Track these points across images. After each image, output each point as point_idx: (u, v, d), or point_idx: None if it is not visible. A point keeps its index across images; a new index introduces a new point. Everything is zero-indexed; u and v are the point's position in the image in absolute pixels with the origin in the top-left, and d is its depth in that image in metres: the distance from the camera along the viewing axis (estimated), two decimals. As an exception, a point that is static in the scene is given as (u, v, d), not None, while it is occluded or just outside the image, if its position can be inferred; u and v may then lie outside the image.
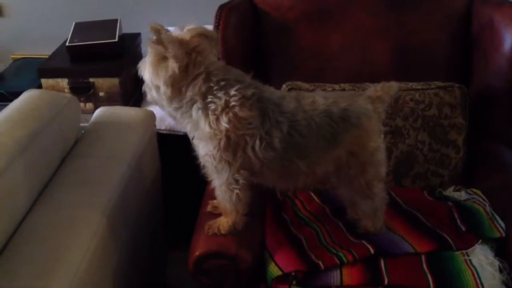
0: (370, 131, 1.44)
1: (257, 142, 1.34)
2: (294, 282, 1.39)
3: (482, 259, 1.44)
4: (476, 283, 1.36)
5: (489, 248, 1.49)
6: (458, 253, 1.45)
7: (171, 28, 1.38)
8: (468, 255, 1.45)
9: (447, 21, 1.94)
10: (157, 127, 2.09)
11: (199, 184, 1.70)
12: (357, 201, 1.53)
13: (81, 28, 2.40)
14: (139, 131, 1.77)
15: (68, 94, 1.78)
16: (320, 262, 1.42)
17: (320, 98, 1.40)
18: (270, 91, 1.39)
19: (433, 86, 1.75)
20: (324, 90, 1.76)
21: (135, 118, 1.81)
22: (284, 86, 1.79)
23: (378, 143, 1.46)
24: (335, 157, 1.42)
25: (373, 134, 1.44)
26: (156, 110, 2.12)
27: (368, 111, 1.43)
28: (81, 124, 1.74)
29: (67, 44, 2.29)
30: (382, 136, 1.49)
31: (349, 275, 1.40)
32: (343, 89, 1.76)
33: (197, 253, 1.39)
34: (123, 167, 1.59)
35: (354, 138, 1.41)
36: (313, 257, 1.44)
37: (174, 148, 2.17)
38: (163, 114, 2.16)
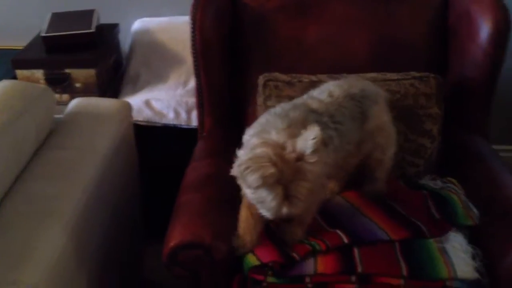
0: (384, 106, 1.62)
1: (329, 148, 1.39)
2: (270, 273, 1.40)
3: (455, 246, 1.45)
4: (449, 270, 1.38)
5: (463, 236, 1.50)
6: (431, 240, 1.47)
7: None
8: (441, 243, 1.46)
9: (425, 11, 1.94)
10: (135, 118, 2.07)
11: (177, 175, 1.70)
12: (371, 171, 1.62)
13: (57, 19, 2.38)
14: (115, 122, 1.75)
15: (42, 85, 1.76)
16: (294, 254, 1.42)
17: (335, 88, 1.52)
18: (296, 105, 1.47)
19: (409, 77, 1.75)
20: (301, 81, 1.77)
21: (110, 109, 1.79)
22: (261, 77, 1.79)
23: (389, 116, 1.63)
24: (368, 131, 1.55)
25: (386, 109, 1.62)
26: (133, 101, 2.13)
27: (379, 90, 1.63)
28: (56, 116, 1.72)
29: (42, 34, 2.26)
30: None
31: (323, 263, 1.40)
32: (320, 80, 1.76)
33: (172, 244, 1.38)
34: (98, 158, 1.57)
35: (377, 112, 1.57)
36: (287, 249, 1.44)
37: (152, 139, 2.17)
38: (140, 105, 2.18)
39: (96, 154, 1.60)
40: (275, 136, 1.30)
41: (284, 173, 1.24)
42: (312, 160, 1.24)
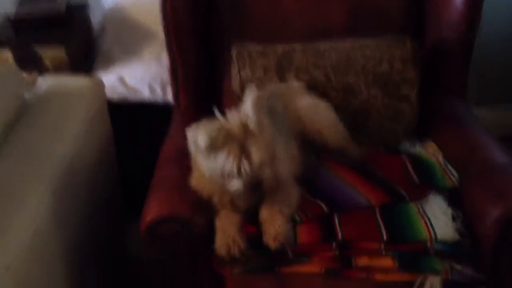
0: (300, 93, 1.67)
1: None
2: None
3: (435, 209, 1.45)
4: (429, 232, 1.37)
5: (442, 198, 1.49)
6: (411, 204, 1.46)
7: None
8: (421, 206, 1.46)
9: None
10: (109, 96, 2.03)
11: (154, 151, 1.68)
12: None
13: (26, -3, 2.32)
14: (86, 100, 1.72)
15: (10, 64, 1.71)
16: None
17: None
18: None
19: (384, 42, 1.73)
20: (274, 51, 1.74)
21: (82, 87, 1.76)
22: (234, 48, 1.76)
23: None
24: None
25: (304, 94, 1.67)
26: (106, 78, 2.08)
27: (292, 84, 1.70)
28: (26, 96, 1.68)
29: (10, 14, 2.20)
30: None
31: (303, 233, 1.39)
32: (294, 49, 1.74)
33: (149, 219, 1.36)
34: (69, 137, 1.55)
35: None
36: None
37: (128, 117, 2.13)
38: (114, 82, 2.14)
39: (67, 133, 1.57)
40: None
41: (235, 134, 1.30)
42: (255, 117, 1.30)
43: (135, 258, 2.11)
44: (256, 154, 1.29)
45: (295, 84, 1.68)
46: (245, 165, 1.29)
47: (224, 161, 1.29)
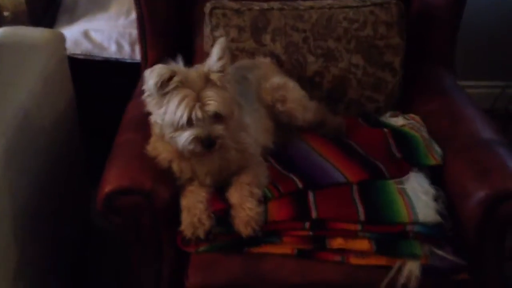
0: (270, 70, 1.61)
1: None
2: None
3: (416, 187, 1.37)
4: (409, 213, 1.30)
5: (424, 176, 1.42)
6: (391, 181, 1.39)
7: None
8: (402, 184, 1.38)
9: None
10: (72, 51, 1.92)
11: (120, 113, 1.58)
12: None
13: None
14: (44, 54, 1.61)
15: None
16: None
17: None
18: None
19: (368, 3, 1.64)
20: (250, 9, 1.64)
21: (40, 39, 1.64)
22: (207, 5, 1.66)
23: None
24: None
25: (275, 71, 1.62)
26: (70, 32, 1.94)
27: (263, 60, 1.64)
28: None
29: (-37, -43, 2.02)
30: None
31: (274, 209, 1.31)
32: (271, 8, 1.64)
33: (107, 190, 1.25)
34: (22, 93, 1.43)
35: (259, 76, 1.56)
36: None
37: (93, 74, 2.00)
38: (78, 36, 2.00)
39: (22, 86, 1.45)
40: None
41: (193, 81, 1.22)
42: (217, 67, 1.24)
43: (99, 228, 2.01)
44: (212, 103, 1.21)
45: (264, 60, 1.61)
46: (198, 114, 1.20)
47: (175, 107, 1.20)
